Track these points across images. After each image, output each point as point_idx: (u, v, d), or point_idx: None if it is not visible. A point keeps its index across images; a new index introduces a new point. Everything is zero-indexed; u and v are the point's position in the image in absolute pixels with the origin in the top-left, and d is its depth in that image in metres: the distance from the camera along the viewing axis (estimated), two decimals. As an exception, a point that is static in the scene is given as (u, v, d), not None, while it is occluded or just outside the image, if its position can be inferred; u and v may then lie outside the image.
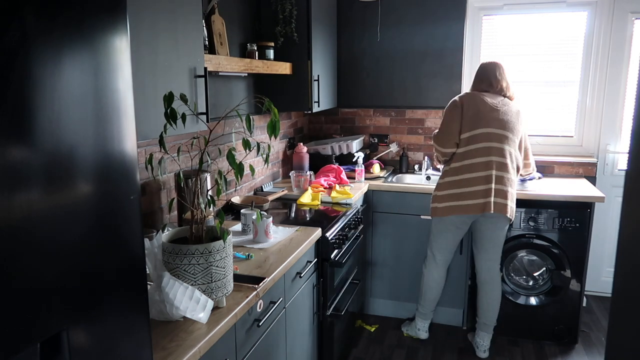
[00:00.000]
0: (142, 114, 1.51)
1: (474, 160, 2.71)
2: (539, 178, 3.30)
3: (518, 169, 2.83)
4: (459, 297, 3.25)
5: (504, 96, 2.84)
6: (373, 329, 3.29)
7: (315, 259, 2.34)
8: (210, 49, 2.27)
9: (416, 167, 3.72)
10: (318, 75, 3.06)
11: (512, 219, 2.82)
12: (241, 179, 1.50)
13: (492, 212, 2.69)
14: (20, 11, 0.75)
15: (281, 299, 1.92)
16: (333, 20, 3.46)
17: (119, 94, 0.95)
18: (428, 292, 3.06)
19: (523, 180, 3.18)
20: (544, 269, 3.08)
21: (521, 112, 2.83)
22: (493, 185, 2.69)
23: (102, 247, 0.93)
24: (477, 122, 2.73)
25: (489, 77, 2.84)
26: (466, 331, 3.25)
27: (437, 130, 2.90)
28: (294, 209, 2.78)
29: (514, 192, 2.77)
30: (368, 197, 3.31)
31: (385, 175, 3.47)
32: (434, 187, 2.91)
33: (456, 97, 2.85)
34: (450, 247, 2.96)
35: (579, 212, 2.94)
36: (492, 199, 2.68)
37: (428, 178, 3.52)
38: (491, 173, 2.69)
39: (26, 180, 0.77)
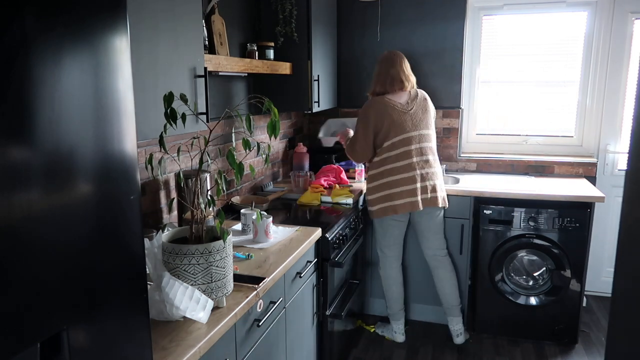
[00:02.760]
0: (142, 114, 1.51)
1: (397, 164, 2.84)
2: None
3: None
4: (460, 296, 3.25)
5: (408, 89, 2.92)
6: (373, 329, 3.29)
7: (315, 259, 2.34)
8: (210, 49, 2.27)
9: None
10: (318, 75, 3.06)
11: (446, 206, 2.96)
12: (241, 179, 1.50)
13: (421, 209, 2.84)
14: (20, 11, 0.75)
15: (281, 299, 1.92)
16: (333, 20, 3.46)
17: (119, 94, 0.95)
18: (389, 292, 3.14)
19: None
20: (544, 269, 3.08)
21: (427, 98, 2.97)
22: (419, 184, 2.83)
23: (102, 247, 0.93)
24: (393, 131, 2.83)
25: (400, 77, 2.90)
26: (467, 331, 3.24)
27: (349, 142, 2.98)
28: (294, 209, 2.78)
29: (440, 182, 2.92)
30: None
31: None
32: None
33: (366, 108, 2.88)
34: (397, 242, 3.07)
35: (579, 212, 2.94)
36: (420, 197, 2.83)
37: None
38: (415, 173, 2.82)
39: (26, 180, 0.77)
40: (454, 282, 3.07)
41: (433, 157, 2.90)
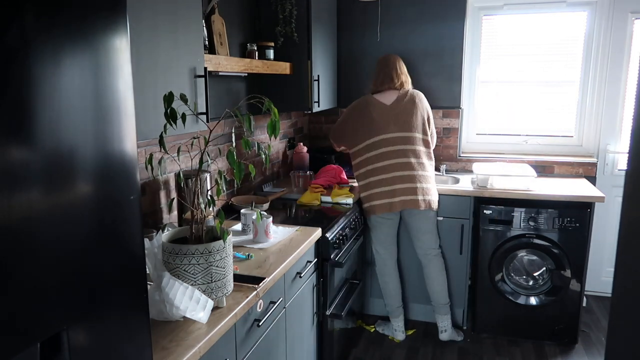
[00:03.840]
0: (142, 114, 1.51)
1: (376, 165, 2.87)
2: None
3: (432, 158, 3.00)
4: (459, 297, 3.25)
5: (401, 89, 2.95)
6: (373, 329, 3.29)
7: (315, 259, 2.34)
8: (210, 49, 2.27)
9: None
10: (318, 75, 3.06)
11: (433, 209, 2.95)
12: (241, 179, 1.50)
13: (398, 210, 2.88)
14: (20, 11, 0.75)
15: (281, 299, 1.92)
16: (333, 20, 3.46)
17: (119, 94, 0.95)
18: (386, 289, 3.16)
19: None
20: (544, 268, 3.08)
21: (416, 99, 2.94)
22: (398, 186, 2.84)
23: (102, 247, 0.93)
24: (373, 131, 2.87)
25: (390, 74, 2.95)
26: (467, 331, 3.25)
27: (334, 126, 3.10)
28: (294, 209, 2.78)
29: (425, 185, 2.89)
30: (368, 197, 3.30)
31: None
32: None
33: (354, 104, 2.99)
34: (389, 239, 3.09)
35: (579, 212, 2.94)
36: (399, 199, 2.85)
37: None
38: (394, 175, 2.84)
39: (26, 181, 0.77)
40: (443, 280, 3.09)
41: (419, 160, 2.89)
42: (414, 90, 3.00)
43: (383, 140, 2.86)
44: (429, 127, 2.99)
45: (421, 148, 2.91)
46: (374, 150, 2.87)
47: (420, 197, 2.86)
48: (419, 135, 2.91)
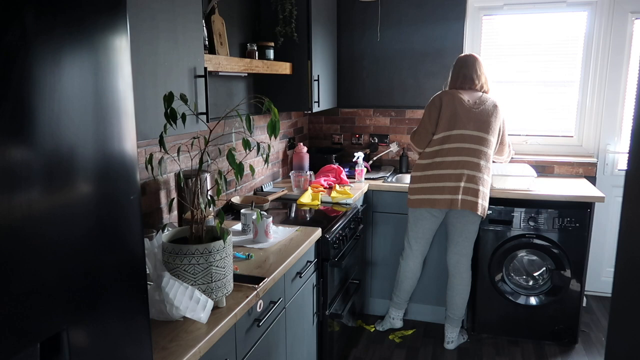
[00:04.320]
0: (142, 114, 1.51)
1: (446, 159, 2.82)
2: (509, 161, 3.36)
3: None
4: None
5: (482, 91, 2.91)
6: (373, 329, 3.29)
7: (315, 259, 2.34)
8: (210, 49, 2.27)
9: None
10: (318, 75, 3.06)
11: (484, 217, 2.89)
12: (241, 179, 1.50)
13: (459, 208, 2.81)
14: (20, 11, 0.75)
15: (281, 299, 1.92)
16: (333, 20, 3.46)
17: (119, 94, 0.95)
18: (404, 282, 3.13)
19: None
20: (544, 268, 3.08)
21: (498, 106, 2.89)
22: (463, 184, 2.79)
23: (102, 247, 0.93)
24: (453, 123, 2.82)
25: (470, 75, 2.90)
26: (467, 331, 3.24)
27: (415, 128, 2.99)
28: (294, 209, 2.78)
29: (486, 191, 2.85)
30: (368, 197, 3.31)
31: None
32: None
33: (436, 96, 2.92)
34: (426, 237, 3.03)
35: (579, 212, 2.94)
36: (460, 197, 2.79)
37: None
38: (462, 172, 2.79)
39: (26, 180, 0.77)
40: (466, 295, 3.03)
41: (486, 164, 2.82)
42: (493, 97, 2.93)
43: (459, 135, 2.80)
44: (501, 135, 2.93)
45: (489, 152, 2.85)
46: (448, 143, 2.81)
47: (480, 201, 2.80)
48: (493, 140, 2.85)
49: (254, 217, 2.17)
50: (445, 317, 3.12)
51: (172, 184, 2.26)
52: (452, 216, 2.93)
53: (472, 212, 2.84)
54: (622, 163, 3.58)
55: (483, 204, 2.82)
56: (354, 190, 3.07)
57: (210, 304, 1.45)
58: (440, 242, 3.17)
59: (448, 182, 2.80)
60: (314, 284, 2.34)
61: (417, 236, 3.02)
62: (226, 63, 2.18)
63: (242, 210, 2.29)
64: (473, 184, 2.79)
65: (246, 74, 2.78)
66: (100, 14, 0.90)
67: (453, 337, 3.07)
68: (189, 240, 1.55)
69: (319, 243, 2.35)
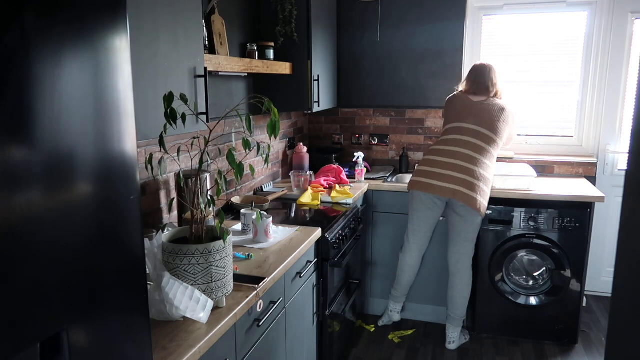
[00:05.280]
0: (142, 114, 1.51)
1: (444, 147, 2.90)
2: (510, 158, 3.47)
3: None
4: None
5: (491, 97, 2.97)
6: (373, 329, 3.29)
7: (315, 259, 2.34)
8: (210, 49, 2.27)
9: (416, 166, 3.71)
10: (318, 75, 3.06)
11: (483, 215, 2.89)
12: (241, 179, 1.50)
13: (451, 197, 2.81)
14: (20, 11, 0.75)
15: (281, 299, 1.92)
16: (333, 20, 3.46)
17: (119, 94, 0.95)
18: (401, 276, 3.15)
19: None
20: (544, 269, 3.08)
21: (507, 110, 2.92)
22: (455, 174, 2.81)
23: (102, 247, 0.93)
24: (455, 116, 2.93)
25: (485, 84, 2.96)
26: (468, 330, 3.24)
27: None
28: (294, 209, 2.78)
29: (484, 187, 2.83)
30: (368, 197, 3.31)
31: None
32: None
33: (450, 96, 3.09)
34: (423, 230, 3.03)
35: (579, 212, 2.94)
36: (453, 186, 2.80)
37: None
38: (455, 162, 2.83)
39: (26, 181, 0.77)
40: (467, 295, 3.03)
41: (485, 160, 2.83)
42: (505, 102, 2.95)
43: (458, 127, 2.88)
44: (505, 137, 2.94)
45: (490, 150, 2.86)
46: (447, 135, 2.92)
47: (477, 197, 2.79)
48: (495, 138, 2.86)
49: (254, 217, 2.17)
50: (446, 317, 3.12)
51: (172, 184, 2.26)
52: (451, 214, 2.93)
53: (470, 210, 2.84)
54: (622, 163, 3.58)
55: (481, 200, 2.80)
56: (354, 190, 3.07)
57: (210, 304, 1.45)
58: (441, 242, 3.17)
59: (439, 169, 2.84)
60: (314, 284, 2.34)
61: (413, 229, 3.04)
62: (226, 63, 2.18)
63: (242, 210, 2.29)
64: (468, 176, 2.80)
65: (246, 74, 2.78)
66: (100, 14, 0.90)
67: (455, 337, 3.07)
68: (189, 240, 1.55)
69: (319, 243, 2.35)
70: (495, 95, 2.96)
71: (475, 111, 2.88)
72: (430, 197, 2.91)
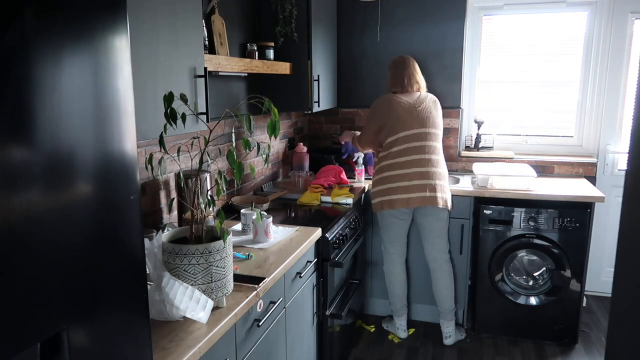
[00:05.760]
0: (142, 114, 1.51)
1: (398, 160, 2.87)
2: None
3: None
4: (459, 297, 3.25)
5: (419, 90, 2.99)
6: (373, 329, 3.29)
7: (315, 259, 2.34)
8: (210, 49, 2.27)
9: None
10: (318, 75, 3.06)
11: (449, 209, 2.94)
12: (241, 179, 1.50)
13: (419, 206, 2.85)
14: (20, 11, 0.75)
15: (281, 299, 1.92)
16: (333, 20, 3.46)
17: (119, 94, 0.95)
18: (391, 288, 3.17)
19: None
20: (544, 268, 3.08)
21: (436, 99, 2.99)
22: (419, 182, 2.83)
23: (102, 247, 0.93)
24: (399, 126, 2.88)
25: (402, 79, 2.97)
26: (467, 331, 3.25)
27: (359, 133, 3.12)
28: (294, 209, 2.78)
29: (444, 183, 2.89)
30: (368, 197, 3.31)
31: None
32: None
33: (376, 103, 3.00)
34: (399, 239, 3.08)
35: (579, 212, 2.94)
36: (419, 195, 2.83)
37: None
38: (414, 170, 2.84)
39: (26, 181, 0.77)
40: (450, 287, 3.07)
41: (437, 157, 2.89)
42: (431, 94, 3.02)
43: (408, 136, 2.87)
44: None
45: (438, 145, 2.92)
46: (398, 145, 2.88)
47: (439, 195, 2.85)
48: (438, 132, 2.93)
49: (254, 217, 2.17)
50: (438, 314, 3.15)
51: (172, 184, 2.26)
52: (419, 217, 2.99)
53: (436, 208, 2.89)
54: (622, 163, 3.58)
55: (443, 196, 2.87)
56: (354, 190, 3.07)
57: (210, 304, 1.45)
58: (420, 242, 3.19)
59: (401, 182, 2.85)
60: (314, 284, 2.34)
61: (390, 240, 3.08)
62: (226, 63, 2.18)
63: (242, 210, 2.29)
64: (428, 179, 2.84)
65: (246, 74, 2.78)
66: (100, 14, 0.90)
67: (450, 332, 3.10)
68: (189, 240, 1.55)
69: (319, 243, 2.35)
70: (419, 88, 2.98)
71: (417, 113, 2.88)
72: (400, 210, 2.95)
